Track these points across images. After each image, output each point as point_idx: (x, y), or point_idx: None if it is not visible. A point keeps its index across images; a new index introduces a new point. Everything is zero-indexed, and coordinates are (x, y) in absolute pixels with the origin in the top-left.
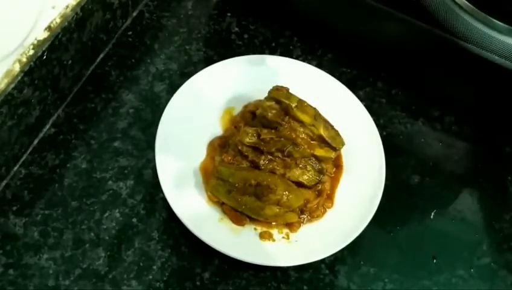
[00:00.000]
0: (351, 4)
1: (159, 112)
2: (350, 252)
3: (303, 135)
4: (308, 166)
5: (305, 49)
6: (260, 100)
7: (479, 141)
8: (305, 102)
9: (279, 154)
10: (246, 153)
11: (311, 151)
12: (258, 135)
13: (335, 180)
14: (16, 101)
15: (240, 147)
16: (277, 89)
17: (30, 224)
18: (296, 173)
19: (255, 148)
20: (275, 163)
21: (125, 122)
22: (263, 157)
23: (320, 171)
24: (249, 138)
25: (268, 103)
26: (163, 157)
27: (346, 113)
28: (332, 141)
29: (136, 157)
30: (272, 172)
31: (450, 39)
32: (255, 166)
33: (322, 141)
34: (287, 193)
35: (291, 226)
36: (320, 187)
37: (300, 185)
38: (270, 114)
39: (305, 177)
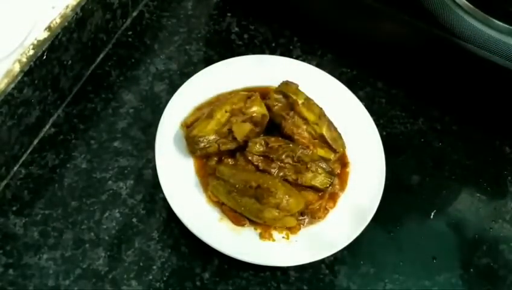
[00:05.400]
0: (351, 4)
1: (159, 112)
2: (350, 252)
3: (305, 133)
4: (319, 169)
5: (305, 49)
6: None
7: (479, 141)
8: (312, 100)
9: (290, 160)
10: (257, 163)
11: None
12: (266, 144)
13: (343, 181)
14: (15, 101)
15: (250, 157)
16: (286, 84)
17: (30, 224)
18: (308, 177)
19: (265, 156)
20: (286, 170)
21: (125, 122)
22: (274, 165)
23: (331, 173)
24: (258, 147)
25: (275, 96)
26: (163, 157)
27: (346, 113)
28: (333, 143)
29: (136, 157)
30: (285, 179)
31: (450, 39)
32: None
33: (323, 141)
34: (287, 196)
35: (291, 228)
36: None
37: (313, 189)
38: (275, 107)
39: (318, 181)
